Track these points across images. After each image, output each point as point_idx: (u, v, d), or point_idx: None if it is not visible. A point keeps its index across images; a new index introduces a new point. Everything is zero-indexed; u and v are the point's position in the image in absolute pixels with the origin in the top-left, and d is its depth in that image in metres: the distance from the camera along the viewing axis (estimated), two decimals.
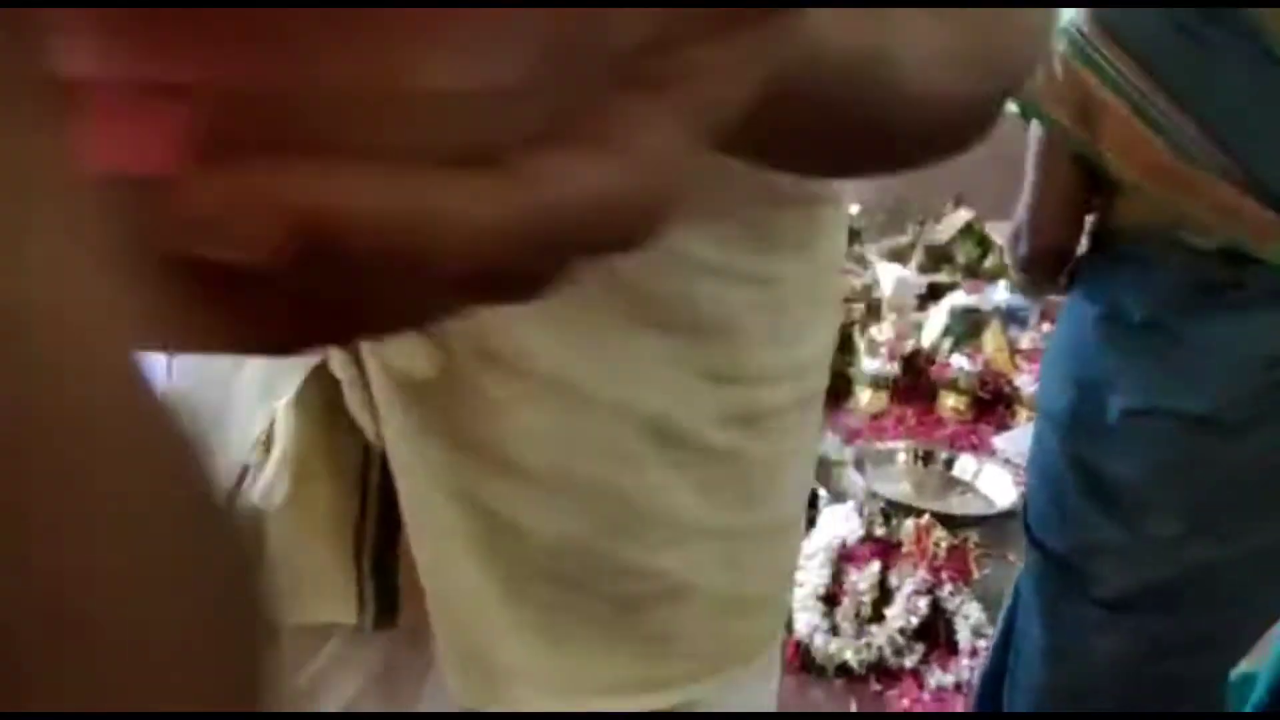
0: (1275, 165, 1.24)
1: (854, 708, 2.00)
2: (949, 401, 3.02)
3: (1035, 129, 1.38)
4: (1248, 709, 1.67)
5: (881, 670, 2.09)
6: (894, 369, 3.04)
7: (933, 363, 3.05)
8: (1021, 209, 1.42)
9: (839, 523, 2.25)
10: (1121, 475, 1.37)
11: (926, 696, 2.02)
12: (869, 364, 3.04)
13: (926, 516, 2.25)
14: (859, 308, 3.45)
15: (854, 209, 3.78)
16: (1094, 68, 1.30)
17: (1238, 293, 1.28)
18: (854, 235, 3.92)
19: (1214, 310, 1.29)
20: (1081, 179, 1.36)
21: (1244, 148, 1.25)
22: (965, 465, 2.67)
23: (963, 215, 3.69)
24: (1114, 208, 1.38)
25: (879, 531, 2.23)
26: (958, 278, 3.44)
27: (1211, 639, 1.43)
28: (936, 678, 2.05)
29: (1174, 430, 1.33)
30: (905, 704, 2.00)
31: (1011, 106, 1.36)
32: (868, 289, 3.54)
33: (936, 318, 3.08)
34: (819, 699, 2.02)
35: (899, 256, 3.69)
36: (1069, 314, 1.46)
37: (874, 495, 2.41)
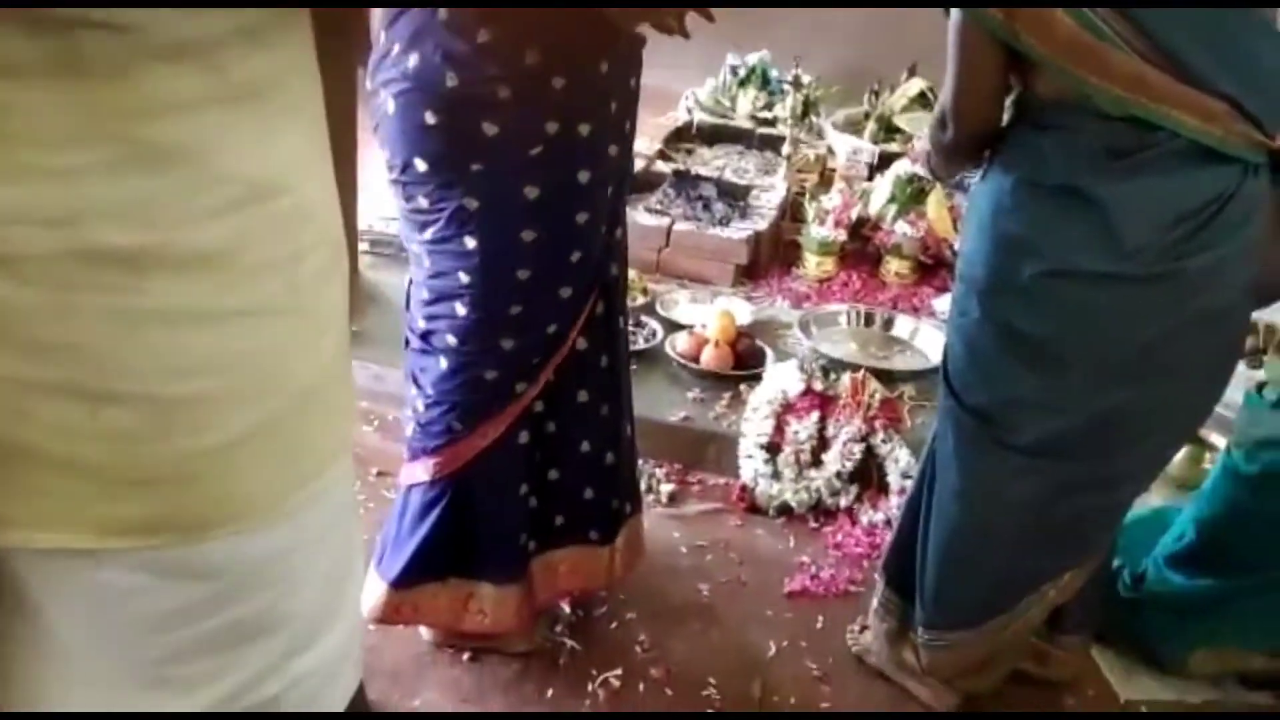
0: (1178, 34, 1.33)
1: (792, 543, 2.20)
2: (893, 266, 3.17)
3: (954, 16, 1.42)
4: (1169, 540, 1.87)
5: (819, 510, 2.29)
6: (841, 236, 3.17)
7: (878, 229, 3.18)
8: (945, 95, 1.48)
9: (783, 379, 2.42)
10: (1037, 332, 1.49)
11: (859, 532, 2.22)
12: (817, 231, 3.16)
13: (862, 371, 2.42)
14: (813, 177, 3.55)
15: (810, 79, 3.84)
16: None
17: (1144, 155, 1.38)
18: (811, 106, 3.99)
19: (1123, 173, 1.38)
20: (1000, 60, 1.41)
21: (1152, 20, 1.33)
22: (903, 325, 2.84)
23: (917, 84, 3.75)
24: (1030, 83, 1.45)
25: (818, 386, 2.40)
26: (908, 147, 3.52)
27: (1114, 478, 1.61)
28: (868, 515, 2.26)
29: (1086, 287, 1.44)
30: (839, 538, 2.21)
31: None
32: (821, 159, 3.64)
33: (882, 186, 3.19)
34: (762, 535, 2.23)
35: (855, 127, 3.77)
36: (987, 183, 1.53)
37: (816, 353, 2.57)
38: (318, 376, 0.71)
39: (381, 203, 2.43)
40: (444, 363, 1.57)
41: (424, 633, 1.81)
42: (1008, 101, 1.52)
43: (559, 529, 1.76)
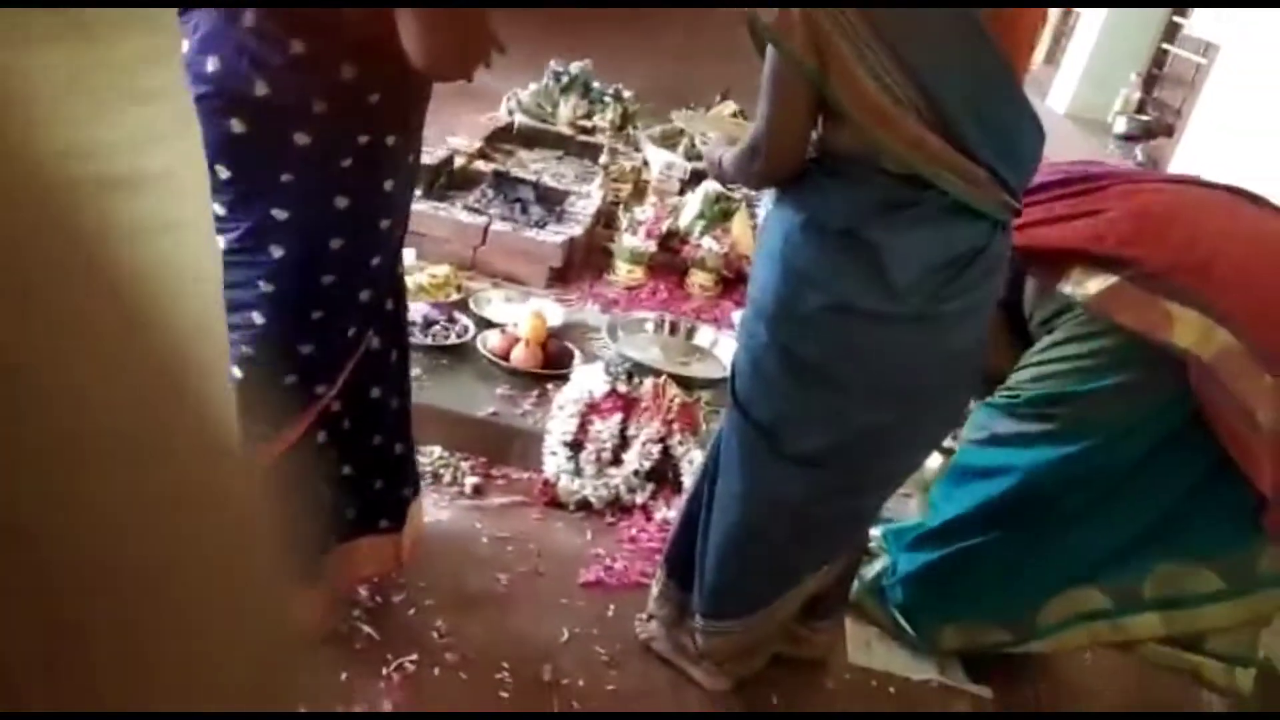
0: (954, 106, 1.52)
1: (589, 536, 2.31)
2: (698, 279, 3.35)
3: (770, 56, 1.54)
4: (910, 529, 2.11)
5: (617, 505, 2.41)
6: (651, 246, 3.32)
7: (686, 243, 3.35)
8: (758, 128, 1.59)
9: (589, 380, 2.53)
10: (816, 357, 1.66)
11: (653, 527, 2.36)
12: (629, 240, 3.30)
13: (664, 377, 2.56)
14: (627, 188, 3.69)
15: (629, 94, 3.99)
16: (826, 12, 1.48)
17: (916, 209, 1.56)
18: (629, 119, 4.13)
19: (898, 224, 1.56)
20: (811, 104, 1.54)
21: (935, 91, 1.51)
22: (705, 335, 3.02)
23: (730, 106, 3.96)
24: (828, 131, 1.60)
25: (622, 388, 2.52)
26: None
27: (867, 485, 1.82)
28: (662, 512, 2.40)
29: (863, 322, 1.62)
30: (634, 533, 2.34)
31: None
32: (637, 170, 3.79)
33: (693, 202, 3.36)
34: (560, 528, 2.33)
35: (669, 142, 3.94)
36: (776, 218, 1.67)
37: (622, 357, 2.70)
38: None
39: None
40: (239, 372, 1.50)
41: None
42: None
43: (352, 522, 1.80)
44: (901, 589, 2.11)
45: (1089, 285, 1.82)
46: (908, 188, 1.56)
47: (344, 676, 1.78)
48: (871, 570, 2.20)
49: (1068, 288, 1.86)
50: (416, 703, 1.76)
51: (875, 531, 2.22)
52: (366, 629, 1.88)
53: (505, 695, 1.83)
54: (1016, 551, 1.97)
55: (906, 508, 2.41)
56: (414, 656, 1.85)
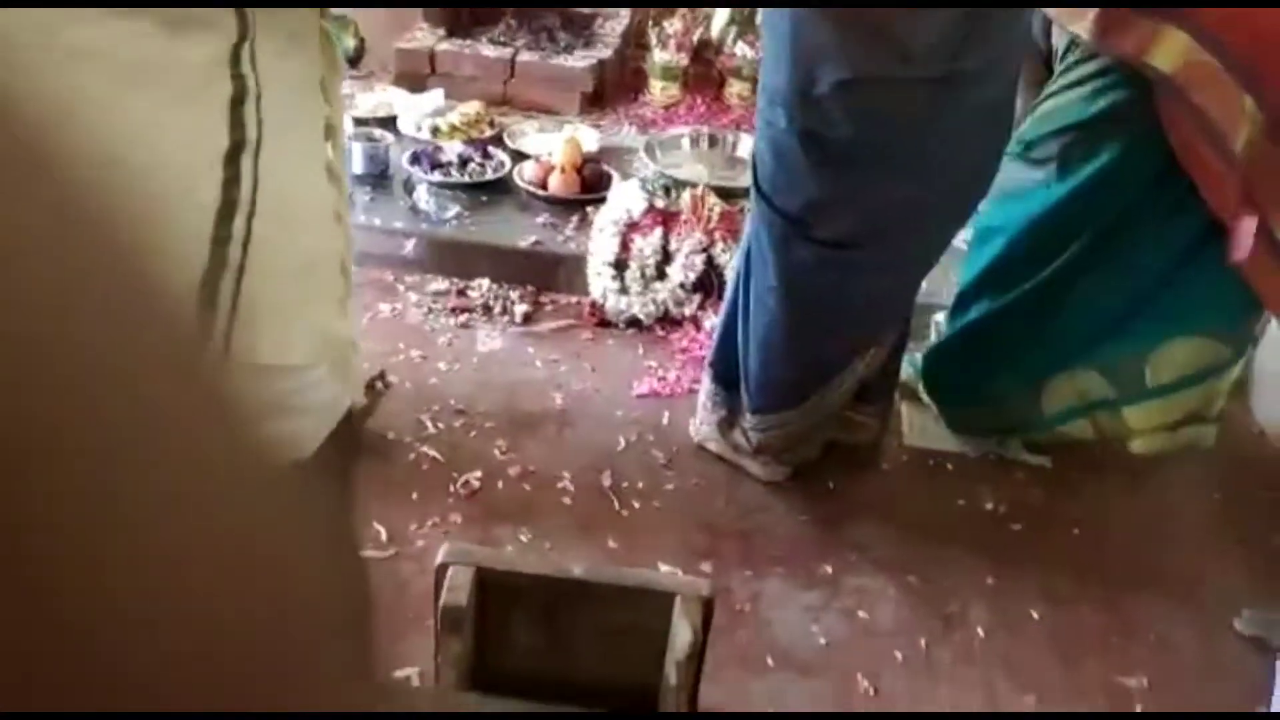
0: None
1: (640, 352, 2.35)
2: (735, 89, 3.26)
3: None
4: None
5: (666, 320, 2.44)
6: (683, 60, 3.23)
7: (720, 53, 3.25)
8: None
9: (626, 199, 2.52)
10: (836, 135, 1.61)
11: (703, 336, 2.39)
12: (661, 56, 3.21)
13: (701, 187, 2.53)
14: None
15: None
16: None
17: None
18: None
19: None
20: None
21: None
22: (747, 145, 2.94)
23: None
24: None
25: (660, 204, 2.51)
26: None
27: (903, 262, 1.80)
28: (711, 321, 2.42)
29: (879, 91, 1.57)
30: (685, 344, 2.37)
31: None
32: None
33: (722, 9, 3.23)
34: (612, 346, 2.37)
35: None
36: None
37: (661, 175, 2.67)
38: None
39: None
40: None
41: None
42: None
43: None
44: (931, 370, 2.13)
45: (1089, 13, 1.74)
46: None
47: (414, 496, 1.88)
48: (922, 355, 2.20)
49: (1069, 20, 1.79)
50: (484, 513, 1.86)
51: (938, 318, 2.23)
52: (432, 452, 1.98)
53: (568, 501, 1.91)
54: (1017, 322, 1.97)
55: None
56: (478, 473, 1.94)
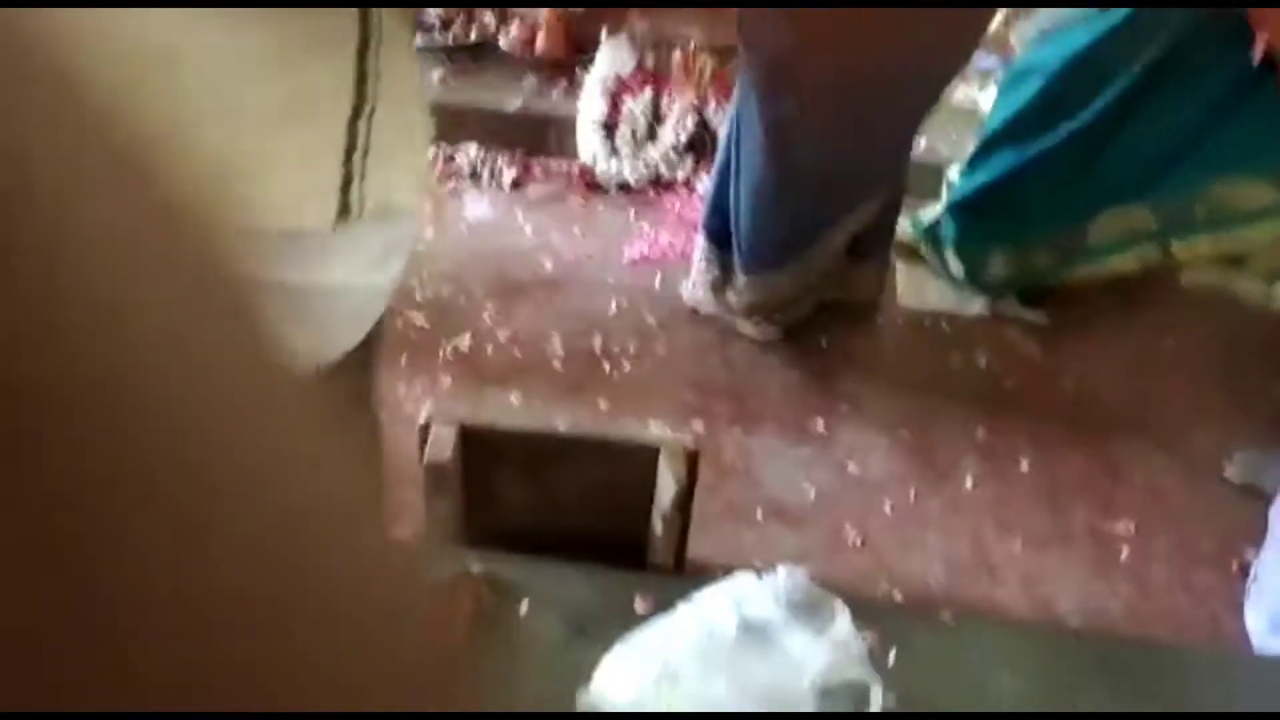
0: None
1: (632, 216, 2.31)
2: None
3: None
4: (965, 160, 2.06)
5: (659, 183, 2.39)
6: None
7: None
8: None
9: (615, 58, 2.43)
10: None
11: (695, 200, 2.34)
12: None
13: (692, 44, 2.44)
14: None
15: None
16: None
17: None
18: None
19: None
20: None
21: None
22: None
23: None
24: None
25: (650, 63, 2.43)
26: None
27: (890, 116, 1.74)
28: (703, 184, 2.37)
29: None
30: (677, 208, 2.33)
31: None
32: None
33: None
34: (601, 212, 2.33)
35: None
36: None
37: (646, 32, 2.58)
38: None
39: None
40: None
41: None
42: None
43: None
44: (951, 219, 2.08)
45: None
46: None
47: (402, 361, 1.87)
48: (928, 214, 2.16)
49: None
50: (473, 375, 1.85)
51: (950, 174, 2.17)
52: (419, 319, 1.96)
53: (558, 365, 1.91)
54: (1063, 159, 1.91)
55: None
56: (467, 337, 1.93)
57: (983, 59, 2.29)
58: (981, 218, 2.03)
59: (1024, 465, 1.77)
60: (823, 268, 1.90)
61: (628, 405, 1.81)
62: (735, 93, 1.84)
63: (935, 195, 2.19)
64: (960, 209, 2.06)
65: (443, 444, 1.27)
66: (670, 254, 2.20)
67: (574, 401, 1.81)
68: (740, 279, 1.91)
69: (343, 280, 0.83)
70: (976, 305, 2.10)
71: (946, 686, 1.19)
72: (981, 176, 2.02)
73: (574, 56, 2.55)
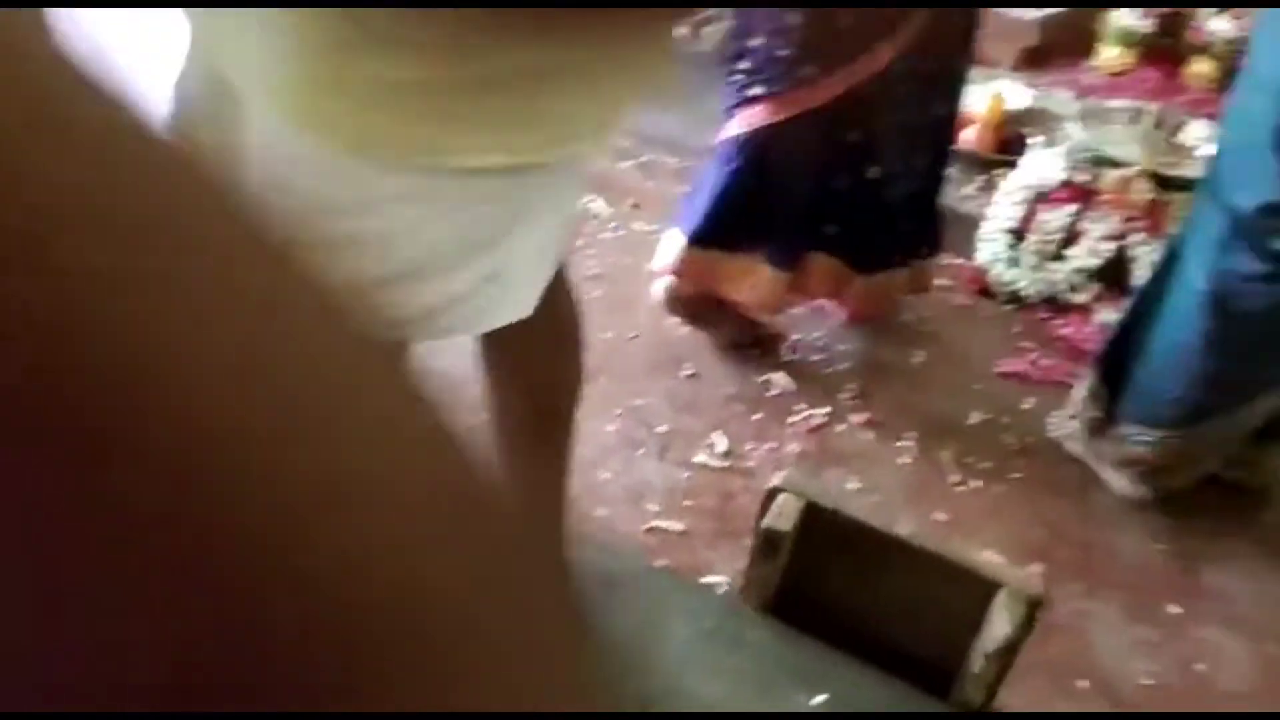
0: None
1: (1016, 329, 2.22)
2: (1198, 68, 2.91)
3: None
4: None
5: (1054, 304, 2.28)
6: (1148, 26, 2.92)
7: (1189, 26, 2.90)
8: None
9: (1043, 166, 2.35)
10: None
11: (1089, 329, 2.20)
12: (1122, 18, 2.93)
13: (1134, 169, 2.30)
14: None
15: None
16: None
17: None
18: None
19: None
20: None
21: None
22: (1196, 131, 2.64)
23: None
24: None
25: (1080, 178, 2.32)
26: None
27: None
28: (1103, 315, 2.22)
29: None
30: (1068, 332, 2.21)
31: None
32: None
33: None
34: (987, 317, 2.26)
35: None
36: None
37: (1087, 148, 2.46)
38: None
39: None
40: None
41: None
42: None
43: (835, 238, 1.93)
44: None
45: None
46: None
47: (756, 417, 1.92)
48: None
49: None
50: (821, 451, 1.87)
51: None
52: (784, 379, 2.01)
53: (904, 461, 1.87)
54: None
55: None
56: (825, 410, 1.94)
57: None
58: None
59: None
60: (1222, 440, 1.73)
61: (968, 524, 1.75)
62: (1177, 228, 1.71)
63: None
64: None
65: (788, 515, 1.30)
66: (1048, 379, 2.09)
67: (911, 504, 1.77)
68: (1124, 428, 1.78)
69: None
70: None
71: None
72: None
73: (998, 157, 2.49)
